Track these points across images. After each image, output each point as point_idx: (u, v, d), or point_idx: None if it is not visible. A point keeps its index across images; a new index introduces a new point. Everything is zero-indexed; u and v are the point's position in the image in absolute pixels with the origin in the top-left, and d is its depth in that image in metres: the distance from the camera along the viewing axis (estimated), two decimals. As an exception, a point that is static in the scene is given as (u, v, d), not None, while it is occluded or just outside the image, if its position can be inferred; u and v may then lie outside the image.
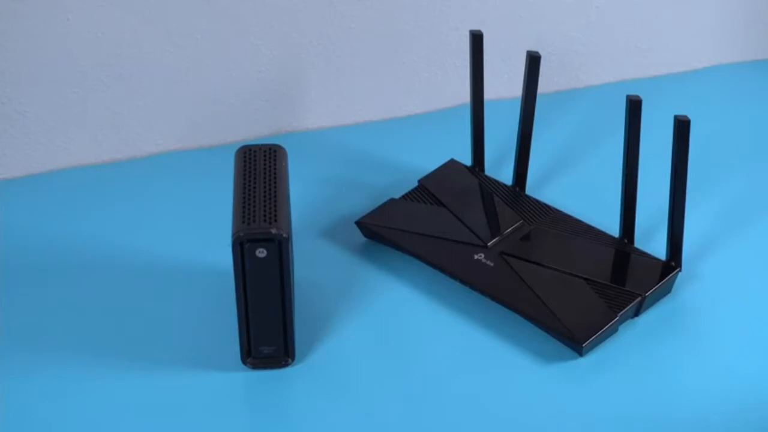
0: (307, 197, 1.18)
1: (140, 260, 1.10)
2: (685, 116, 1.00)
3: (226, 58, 1.24)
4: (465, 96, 1.19)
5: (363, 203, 1.17)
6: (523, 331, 1.02)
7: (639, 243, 1.10)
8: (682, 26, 1.41)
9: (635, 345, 1.01)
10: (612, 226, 1.11)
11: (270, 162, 0.99)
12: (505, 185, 1.19)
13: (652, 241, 1.10)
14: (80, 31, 1.17)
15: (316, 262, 1.10)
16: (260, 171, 0.98)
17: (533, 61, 1.12)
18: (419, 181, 1.19)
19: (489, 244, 1.09)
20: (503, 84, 1.33)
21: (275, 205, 0.94)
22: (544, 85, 1.15)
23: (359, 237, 1.13)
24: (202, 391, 0.96)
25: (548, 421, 0.94)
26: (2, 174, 1.21)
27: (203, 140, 1.28)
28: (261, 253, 0.92)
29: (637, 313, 1.04)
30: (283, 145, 1.03)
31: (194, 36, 1.22)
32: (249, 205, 0.94)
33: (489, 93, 1.19)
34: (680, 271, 1.07)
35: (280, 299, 0.94)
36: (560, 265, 1.06)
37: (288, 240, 0.92)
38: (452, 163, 1.21)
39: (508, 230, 1.11)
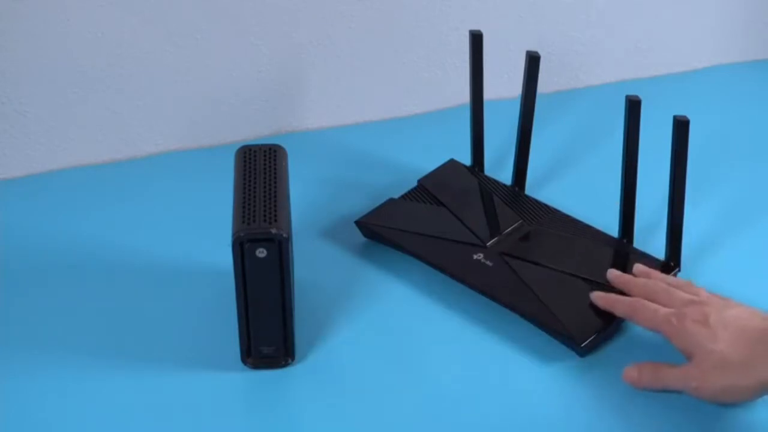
0: (307, 197, 1.18)
1: (140, 260, 1.10)
2: (684, 116, 1.00)
3: (226, 58, 1.24)
4: (465, 96, 1.19)
5: (363, 203, 1.17)
6: (523, 331, 1.02)
7: (638, 243, 1.10)
8: (682, 26, 1.41)
9: (635, 345, 1.01)
10: (611, 226, 1.11)
11: (270, 162, 0.99)
12: (505, 185, 1.19)
13: (652, 241, 1.10)
14: (80, 31, 1.17)
15: (316, 262, 1.10)
16: (260, 171, 0.98)
17: (533, 61, 1.12)
18: (419, 181, 1.19)
19: (488, 244, 1.09)
20: (503, 84, 1.34)
21: (275, 205, 0.94)
22: (544, 85, 1.16)
23: (359, 237, 1.13)
24: (202, 391, 0.96)
25: (548, 421, 0.94)
26: (2, 174, 1.21)
27: (203, 140, 1.28)
28: (261, 253, 0.92)
29: (636, 313, 1.04)
30: (283, 145, 1.03)
31: (194, 36, 1.22)
32: (249, 205, 0.94)
33: (489, 93, 1.19)
34: (679, 271, 1.07)
35: (280, 299, 0.94)
36: (560, 265, 1.06)
37: (288, 240, 0.92)
38: (452, 163, 1.22)
39: (508, 230, 1.11)
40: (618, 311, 1.00)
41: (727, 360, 0.90)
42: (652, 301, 0.98)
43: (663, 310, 0.96)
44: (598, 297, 1.01)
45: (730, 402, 0.93)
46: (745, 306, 0.95)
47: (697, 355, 0.92)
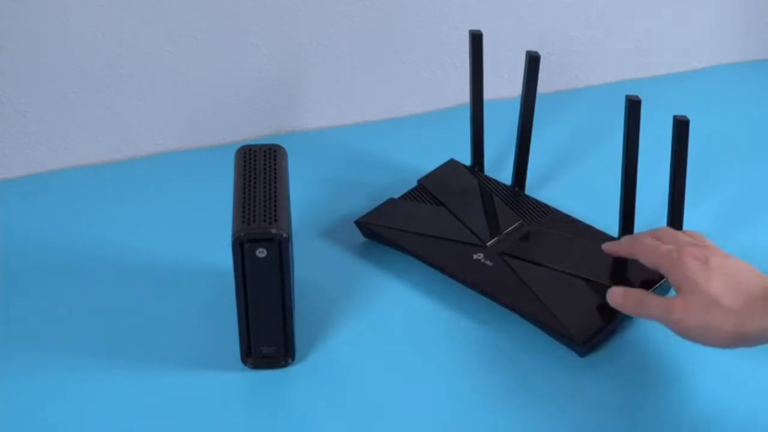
0: (307, 197, 1.18)
1: (140, 260, 1.10)
2: (684, 116, 1.01)
3: (226, 58, 1.24)
4: (465, 96, 1.19)
5: (363, 203, 1.17)
6: (523, 331, 1.02)
7: (639, 243, 1.10)
8: (682, 26, 1.41)
9: (635, 345, 1.01)
10: (612, 226, 1.11)
11: (270, 162, 0.99)
12: (505, 185, 1.19)
13: (652, 241, 1.11)
14: (80, 31, 1.17)
15: (316, 262, 1.10)
16: (260, 171, 0.98)
17: (533, 61, 1.12)
18: (419, 181, 1.19)
19: (488, 243, 1.09)
20: (503, 84, 1.34)
21: (275, 205, 0.94)
22: (544, 85, 1.16)
23: (359, 237, 1.13)
24: (202, 391, 0.96)
25: (548, 422, 0.94)
26: (2, 174, 1.21)
27: (203, 140, 1.28)
28: (261, 253, 0.92)
29: (636, 313, 1.04)
30: (283, 145, 1.03)
31: (194, 36, 1.22)
32: (249, 205, 0.94)
33: (489, 93, 1.19)
34: (680, 271, 1.07)
35: (280, 299, 0.94)
36: (560, 265, 1.06)
37: (288, 240, 0.92)
38: (452, 163, 1.22)
39: (508, 230, 1.11)
40: (623, 253, 1.00)
41: (714, 301, 0.88)
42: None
43: (665, 246, 0.95)
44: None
45: (704, 343, 0.90)
46: (751, 265, 0.93)
47: (685, 289, 0.91)
